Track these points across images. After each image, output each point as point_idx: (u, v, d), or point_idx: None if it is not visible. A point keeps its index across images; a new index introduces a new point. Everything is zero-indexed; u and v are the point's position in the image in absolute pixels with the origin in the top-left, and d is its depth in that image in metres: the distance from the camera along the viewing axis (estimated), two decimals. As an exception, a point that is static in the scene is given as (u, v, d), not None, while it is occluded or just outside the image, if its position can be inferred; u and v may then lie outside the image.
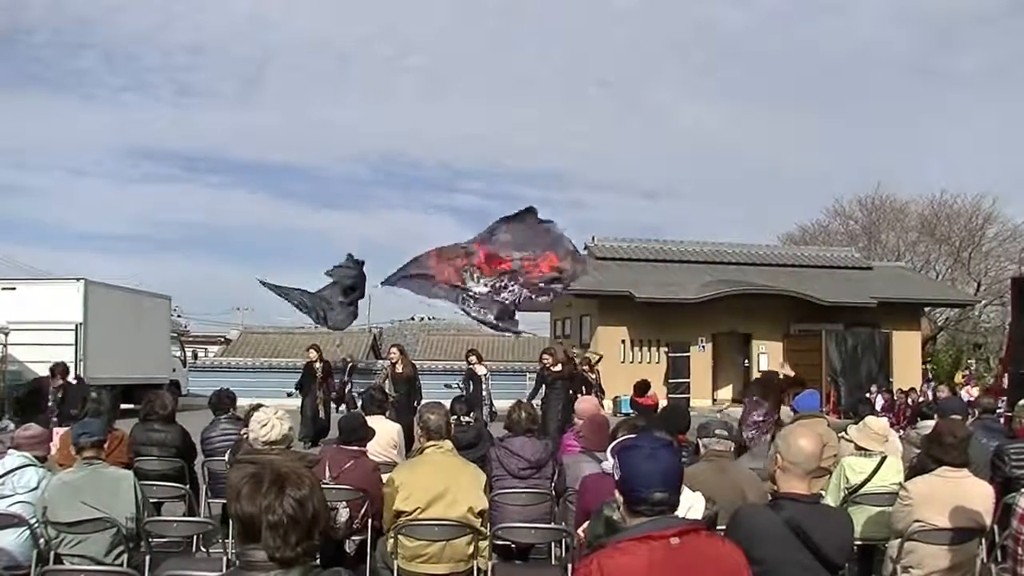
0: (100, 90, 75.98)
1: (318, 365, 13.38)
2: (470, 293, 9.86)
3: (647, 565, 2.21)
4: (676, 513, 2.43)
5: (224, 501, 5.47)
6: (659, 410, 8.82)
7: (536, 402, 10.33)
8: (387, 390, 10.54)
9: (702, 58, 67.55)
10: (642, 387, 12.44)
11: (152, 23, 72.84)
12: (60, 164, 79.54)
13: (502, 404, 9.30)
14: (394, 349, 12.08)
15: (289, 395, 13.66)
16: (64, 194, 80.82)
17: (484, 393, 11.59)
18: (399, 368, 11.49)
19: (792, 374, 11.02)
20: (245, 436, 5.28)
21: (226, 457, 5.57)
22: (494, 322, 10.10)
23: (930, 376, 25.24)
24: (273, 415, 4.33)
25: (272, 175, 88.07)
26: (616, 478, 2.42)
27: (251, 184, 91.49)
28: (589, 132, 72.97)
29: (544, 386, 11.81)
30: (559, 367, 11.91)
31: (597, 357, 16.66)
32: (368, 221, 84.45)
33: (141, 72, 75.39)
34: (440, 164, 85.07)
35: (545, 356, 12.06)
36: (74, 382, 11.79)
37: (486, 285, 9.86)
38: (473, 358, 12.12)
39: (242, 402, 6.92)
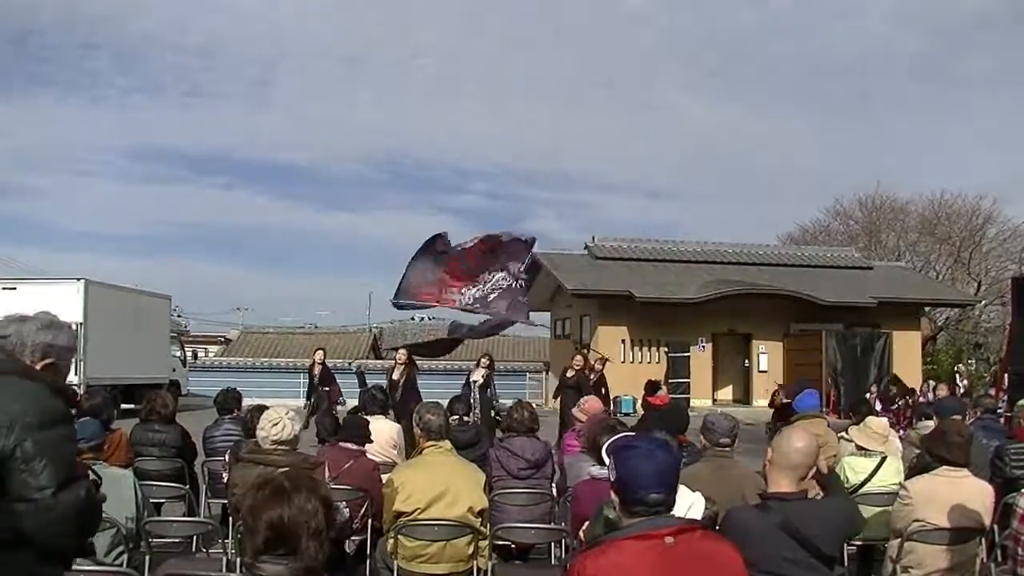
0: (109, 91, 76.12)
1: (316, 370, 13.12)
2: (474, 293, 9.88)
3: (640, 563, 2.17)
4: (675, 513, 2.40)
5: (224, 501, 5.47)
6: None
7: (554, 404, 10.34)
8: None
9: (704, 60, 67.61)
10: (653, 387, 12.31)
11: (162, 25, 72.99)
12: (64, 164, 79.68)
13: (502, 404, 9.29)
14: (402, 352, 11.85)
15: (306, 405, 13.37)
16: (67, 194, 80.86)
17: (473, 399, 11.51)
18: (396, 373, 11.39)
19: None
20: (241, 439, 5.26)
21: (225, 458, 5.56)
22: (506, 317, 10.10)
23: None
24: (284, 415, 4.23)
25: (277, 176, 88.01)
26: (611, 479, 2.39)
27: (256, 185, 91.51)
28: (594, 133, 73.01)
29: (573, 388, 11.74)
30: (572, 372, 12.02)
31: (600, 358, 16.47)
32: (373, 222, 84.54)
33: (150, 73, 75.48)
34: (446, 165, 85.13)
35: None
36: None
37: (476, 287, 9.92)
38: (485, 360, 12.01)
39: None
